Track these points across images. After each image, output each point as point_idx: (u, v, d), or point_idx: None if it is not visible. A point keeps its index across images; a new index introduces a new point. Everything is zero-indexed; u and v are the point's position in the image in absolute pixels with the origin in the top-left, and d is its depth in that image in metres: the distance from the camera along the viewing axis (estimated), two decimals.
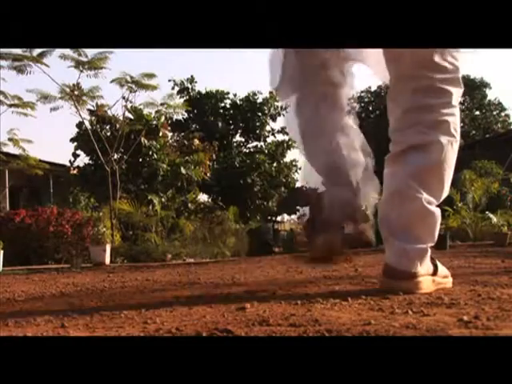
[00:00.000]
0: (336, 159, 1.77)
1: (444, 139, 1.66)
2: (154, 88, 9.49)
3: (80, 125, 11.23)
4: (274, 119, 23.35)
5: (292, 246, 21.46)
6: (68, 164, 12.60)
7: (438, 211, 1.88)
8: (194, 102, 21.45)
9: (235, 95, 23.27)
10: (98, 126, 10.61)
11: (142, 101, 14.71)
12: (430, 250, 1.82)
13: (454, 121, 1.71)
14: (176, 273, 3.66)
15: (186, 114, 20.66)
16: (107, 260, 6.51)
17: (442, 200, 1.86)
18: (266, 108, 22.77)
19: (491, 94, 33.55)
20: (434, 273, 1.81)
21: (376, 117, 23.39)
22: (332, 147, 1.76)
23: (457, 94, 1.72)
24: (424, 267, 1.72)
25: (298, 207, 26.35)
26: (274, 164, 22.51)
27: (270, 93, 22.95)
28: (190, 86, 22.96)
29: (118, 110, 23.23)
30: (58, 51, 8.04)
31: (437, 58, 1.65)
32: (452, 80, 1.70)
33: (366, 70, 1.86)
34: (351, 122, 1.83)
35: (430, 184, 1.75)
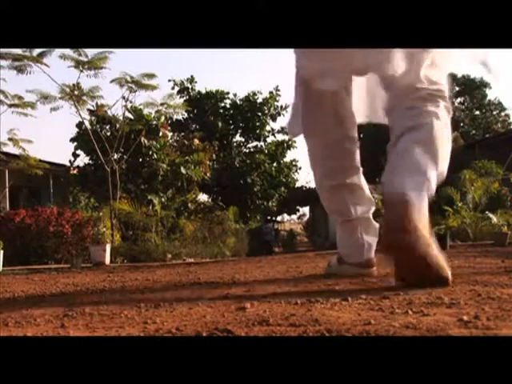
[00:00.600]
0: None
1: (435, 120, 1.72)
2: (153, 88, 9.49)
3: (80, 125, 11.25)
4: (274, 119, 23.36)
5: (291, 246, 21.67)
6: (68, 164, 12.62)
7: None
8: (194, 102, 21.47)
9: (235, 95, 23.29)
10: (97, 126, 10.62)
11: (142, 101, 14.77)
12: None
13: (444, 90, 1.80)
14: (176, 273, 3.66)
15: (186, 114, 20.67)
16: (107, 260, 6.51)
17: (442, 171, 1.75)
18: (265, 108, 22.77)
19: (491, 94, 33.59)
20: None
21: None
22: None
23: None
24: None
25: (298, 207, 26.38)
26: (274, 164, 22.52)
27: (270, 93, 22.98)
28: (190, 86, 22.97)
29: (118, 110, 23.28)
30: (58, 51, 8.06)
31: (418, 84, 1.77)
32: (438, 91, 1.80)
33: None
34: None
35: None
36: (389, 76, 1.74)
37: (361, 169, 2.15)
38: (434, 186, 1.64)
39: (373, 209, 2.21)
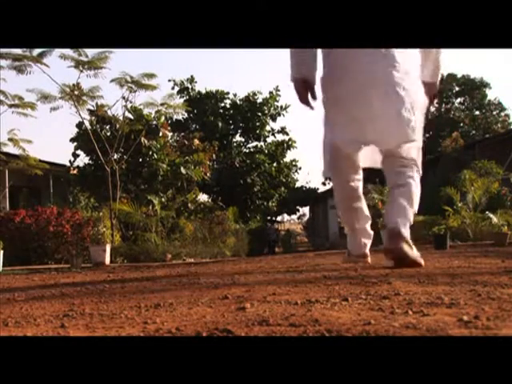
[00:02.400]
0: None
1: (412, 181, 2.74)
2: (153, 88, 9.50)
3: (80, 125, 11.24)
4: (274, 119, 23.37)
5: (290, 246, 21.84)
6: (68, 164, 12.61)
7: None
8: (194, 102, 21.47)
9: (235, 95, 23.30)
10: (97, 125, 10.62)
11: (142, 101, 14.76)
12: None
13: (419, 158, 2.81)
14: (176, 273, 3.66)
15: (186, 114, 20.67)
16: (107, 260, 6.51)
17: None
18: (265, 108, 22.78)
19: (491, 94, 33.60)
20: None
21: None
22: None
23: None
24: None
25: (298, 207, 26.44)
26: (274, 164, 22.53)
27: (270, 93, 22.99)
28: (190, 86, 22.98)
29: (118, 110, 23.31)
30: (58, 51, 8.06)
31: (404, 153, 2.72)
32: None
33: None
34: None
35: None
36: (385, 147, 2.75)
37: (363, 197, 3.06)
38: (411, 220, 2.74)
39: (369, 222, 3.13)
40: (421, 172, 2.77)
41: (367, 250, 3.15)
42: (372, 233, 3.16)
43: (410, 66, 2.44)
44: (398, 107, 2.43)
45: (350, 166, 2.86)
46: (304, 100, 2.68)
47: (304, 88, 2.65)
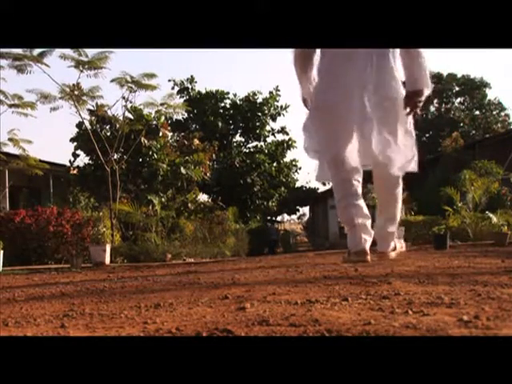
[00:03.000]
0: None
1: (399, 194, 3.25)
2: (153, 88, 9.49)
3: (80, 125, 11.24)
4: (274, 119, 23.36)
5: (289, 246, 21.95)
6: (68, 164, 12.61)
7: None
8: (194, 102, 21.46)
9: (235, 95, 23.29)
10: (97, 125, 10.62)
11: (142, 101, 14.75)
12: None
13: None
14: (176, 273, 3.66)
15: (186, 114, 20.66)
16: (107, 260, 6.51)
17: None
18: (265, 108, 22.77)
19: (491, 94, 33.61)
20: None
21: None
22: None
23: None
24: None
25: (298, 207, 26.45)
26: (274, 164, 22.53)
27: (270, 93, 22.98)
28: (189, 86, 22.97)
29: (118, 110, 23.30)
30: (58, 51, 8.05)
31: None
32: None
33: None
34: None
35: None
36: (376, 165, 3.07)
37: (362, 197, 3.10)
38: (393, 235, 3.31)
39: (369, 221, 3.10)
40: (416, 168, 3.06)
41: (367, 247, 3.02)
42: (373, 232, 3.14)
43: (392, 84, 2.73)
44: (380, 128, 2.75)
45: (348, 166, 3.00)
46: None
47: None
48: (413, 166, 3.02)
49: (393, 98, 2.76)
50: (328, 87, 2.86)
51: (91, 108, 9.91)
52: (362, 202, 3.04)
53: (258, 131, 23.01)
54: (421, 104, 2.81)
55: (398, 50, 2.69)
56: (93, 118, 10.54)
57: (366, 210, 3.05)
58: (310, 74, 3.02)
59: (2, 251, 6.17)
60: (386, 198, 3.18)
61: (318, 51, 2.85)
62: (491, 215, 7.24)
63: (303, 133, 3.13)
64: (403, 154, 2.91)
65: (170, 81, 22.84)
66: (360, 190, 3.03)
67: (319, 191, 25.28)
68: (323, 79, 2.89)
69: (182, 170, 11.54)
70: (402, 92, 2.77)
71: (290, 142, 23.45)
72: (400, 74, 2.78)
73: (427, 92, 2.79)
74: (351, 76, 2.72)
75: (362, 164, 3.03)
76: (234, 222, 13.55)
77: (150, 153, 11.15)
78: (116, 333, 1.24)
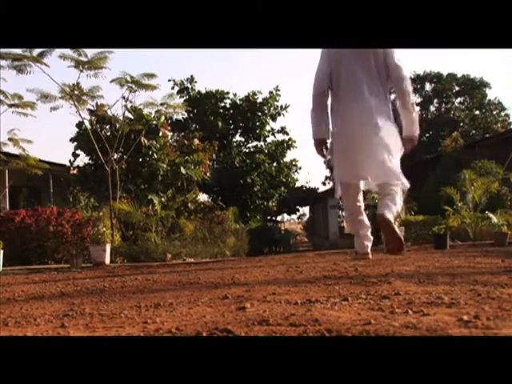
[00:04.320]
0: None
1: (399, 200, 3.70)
2: (154, 88, 9.48)
3: (80, 125, 11.23)
4: (274, 119, 23.34)
5: (288, 245, 22.06)
6: (68, 164, 12.60)
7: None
8: (194, 102, 21.44)
9: (235, 95, 23.26)
10: (97, 125, 10.61)
11: (141, 101, 14.74)
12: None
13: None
14: (176, 273, 3.66)
15: (186, 114, 20.64)
16: (107, 260, 6.51)
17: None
18: (265, 108, 22.75)
19: (491, 94, 33.61)
20: None
21: None
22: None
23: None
24: None
25: (298, 207, 26.45)
26: (274, 164, 22.51)
27: (270, 93, 22.97)
28: (189, 86, 22.95)
29: (117, 110, 23.28)
30: (58, 51, 8.04)
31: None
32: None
33: None
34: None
35: None
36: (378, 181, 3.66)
37: (364, 212, 3.96)
38: (395, 213, 3.58)
39: (370, 230, 3.94)
40: (407, 184, 3.64)
41: (369, 250, 3.94)
42: (372, 237, 3.99)
43: (388, 123, 3.53)
44: (381, 158, 3.47)
45: (355, 192, 3.81)
46: (320, 153, 3.77)
47: (320, 145, 3.72)
48: (399, 179, 3.62)
49: (392, 134, 3.56)
50: (344, 126, 3.61)
51: (91, 108, 9.91)
52: (364, 217, 3.91)
53: (257, 131, 22.99)
54: (416, 143, 3.78)
55: (391, 97, 3.70)
56: (93, 117, 10.53)
57: (367, 222, 3.91)
58: (326, 117, 3.70)
59: (1, 251, 6.17)
60: (386, 190, 3.57)
61: (330, 97, 3.68)
62: (491, 215, 7.23)
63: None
64: (396, 171, 3.58)
65: (169, 81, 22.83)
66: (363, 208, 3.93)
67: (319, 191, 25.27)
68: (341, 120, 3.63)
69: (182, 170, 11.53)
70: (395, 129, 3.61)
71: (289, 142, 23.44)
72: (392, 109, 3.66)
73: (417, 133, 3.73)
74: (360, 120, 3.52)
75: (366, 187, 3.90)
76: (234, 222, 13.54)
77: (150, 153, 11.14)
78: (116, 333, 1.24)
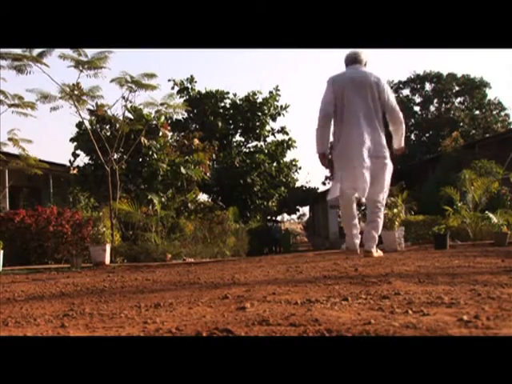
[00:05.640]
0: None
1: (380, 220, 4.54)
2: (153, 88, 9.48)
3: (80, 125, 11.23)
4: (274, 119, 23.34)
5: (289, 245, 22.11)
6: (68, 164, 12.60)
7: None
8: (194, 102, 21.44)
9: (235, 95, 23.26)
10: (97, 125, 10.61)
11: (141, 101, 14.74)
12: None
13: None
14: (176, 273, 3.66)
15: (186, 114, 20.64)
16: (107, 260, 6.50)
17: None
18: (265, 108, 22.75)
19: (491, 94, 33.62)
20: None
21: None
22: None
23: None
24: None
25: (298, 207, 26.48)
26: (274, 164, 22.51)
27: (270, 93, 22.97)
28: (189, 86, 22.95)
29: (117, 110, 23.28)
30: (58, 51, 8.04)
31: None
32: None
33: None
34: None
35: None
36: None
37: (357, 217, 4.62)
38: (376, 241, 4.43)
39: (359, 230, 4.53)
40: (384, 208, 4.61)
41: (357, 247, 4.52)
42: (360, 236, 4.54)
43: (381, 148, 4.26)
44: (372, 176, 4.21)
45: (351, 200, 4.36)
46: (324, 164, 4.44)
47: (323, 158, 4.37)
48: (385, 197, 4.47)
49: (383, 157, 4.28)
50: (344, 146, 4.27)
51: (91, 108, 9.91)
52: (356, 220, 4.52)
53: (257, 131, 22.99)
54: (403, 150, 4.66)
55: (382, 123, 4.33)
56: (93, 117, 10.53)
57: (357, 225, 4.54)
58: (328, 135, 4.37)
59: (1, 251, 6.17)
60: (373, 215, 4.40)
61: (332, 121, 4.35)
62: (491, 215, 7.22)
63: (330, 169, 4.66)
64: (384, 190, 4.39)
65: (169, 81, 22.84)
66: (356, 213, 4.54)
67: (319, 191, 25.27)
68: (340, 140, 4.30)
69: (182, 170, 11.53)
70: (385, 150, 4.29)
71: (289, 142, 23.44)
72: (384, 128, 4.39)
73: (403, 145, 4.60)
74: (356, 140, 4.20)
75: (359, 196, 4.46)
76: (234, 222, 13.54)
77: (150, 153, 11.14)
78: (116, 333, 1.24)
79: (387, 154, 4.31)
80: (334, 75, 4.33)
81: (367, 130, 4.20)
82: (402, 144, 4.57)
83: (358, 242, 4.48)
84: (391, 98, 4.32)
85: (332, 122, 4.34)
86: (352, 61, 4.33)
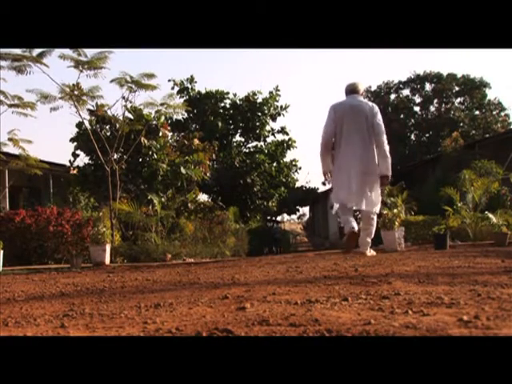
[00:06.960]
0: None
1: (372, 228, 5.25)
2: (153, 88, 9.47)
3: (80, 125, 11.22)
4: (273, 119, 23.33)
5: (288, 245, 22.16)
6: (68, 164, 12.60)
7: None
8: (194, 102, 21.43)
9: (235, 95, 23.25)
10: (97, 126, 10.61)
11: (141, 101, 14.72)
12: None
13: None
14: (176, 273, 3.66)
15: (186, 114, 20.62)
16: (107, 260, 6.50)
17: None
18: (265, 108, 22.73)
19: (491, 94, 33.63)
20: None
21: None
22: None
23: None
24: None
25: (298, 207, 26.48)
26: (274, 164, 22.49)
27: (270, 93, 22.96)
28: (189, 86, 22.94)
29: (117, 110, 23.27)
30: (58, 51, 8.03)
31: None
32: None
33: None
34: None
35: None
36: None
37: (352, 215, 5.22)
38: (370, 242, 5.13)
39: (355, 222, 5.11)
40: (376, 217, 5.18)
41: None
42: (356, 223, 5.18)
43: (372, 166, 4.92)
44: (364, 192, 4.90)
45: (348, 210, 4.95)
46: (327, 180, 5.30)
47: (327, 175, 5.12)
48: (377, 209, 5.04)
49: (374, 174, 4.93)
50: (341, 164, 4.99)
51: (91, 108, 9.89)
52: (352, 218, 4.98)
53: (257, 131, 22.97)
54: (389, 179, 5.15)
55: (375, 147, 4.95)
56: (93, 117, 10.52)
57: (354, 219, 5.09)
58: (330, 159, 5.08)
59: (1, 251, 6.17)
60: (366, 223, 5.04)
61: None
62: (491, 215, 7.22)
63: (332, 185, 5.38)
64: (375, 202, 4.98)
65: (169, 81, 22.82)
66: (352, 214, 5.01)
67: (319, 191, 25.27)
68: (339, 158, 5.02)
69: (182, 170, 11.52)
70: (377, 168, 4.95)
71: (289, 142, 23.42)
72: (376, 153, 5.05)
73: (390, 173, 5.04)
74: (351, 159, 4.91)
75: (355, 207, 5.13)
76: (234, 222, 13.53)
77: (150, 153, 11.14)
78: (116, 333, 1.24)
79: (378, 170, 5.03)
80: (336, 103, 5.05)
81: (361, 150, 4.92)
82: (389, 173, 5.05)
83: (355, 224, 4.87)
84: (380, 123, 4.97)
85: (333, 143, 5.15)
86: (351, 91, 5.04)
